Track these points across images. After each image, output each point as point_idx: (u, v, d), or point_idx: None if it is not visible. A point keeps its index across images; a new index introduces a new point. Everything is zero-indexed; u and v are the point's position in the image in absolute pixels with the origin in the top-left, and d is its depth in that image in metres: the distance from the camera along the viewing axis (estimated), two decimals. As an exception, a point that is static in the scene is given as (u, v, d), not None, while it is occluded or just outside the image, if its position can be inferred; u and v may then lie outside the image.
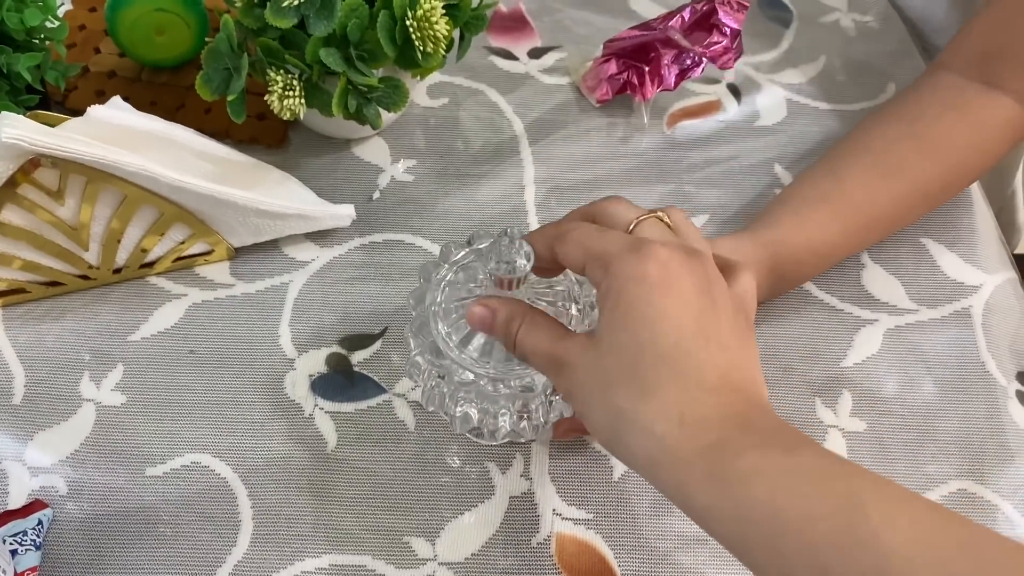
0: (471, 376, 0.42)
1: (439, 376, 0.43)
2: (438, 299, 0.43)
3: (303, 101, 0.49)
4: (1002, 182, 0.80)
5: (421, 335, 0.43)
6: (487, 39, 0.66)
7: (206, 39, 0.59)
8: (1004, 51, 0.54)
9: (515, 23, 0.67)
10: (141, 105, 0.59)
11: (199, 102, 0.59)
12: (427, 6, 0.48)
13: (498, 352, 0.42)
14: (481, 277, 0.44)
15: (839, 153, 0.55)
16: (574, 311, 0.43)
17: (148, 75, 0.61)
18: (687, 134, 0.61)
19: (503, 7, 0.67)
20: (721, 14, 0.58)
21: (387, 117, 0.58)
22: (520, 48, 0.66)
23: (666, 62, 0.61)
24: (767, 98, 0.63)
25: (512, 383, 0.42)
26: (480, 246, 0.45)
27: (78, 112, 0.58)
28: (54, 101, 0.59)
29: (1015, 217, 0.87)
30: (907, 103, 0.56)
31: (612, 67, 0.62)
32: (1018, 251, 0.97)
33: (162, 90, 0.60)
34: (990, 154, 0.55)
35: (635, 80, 0.61)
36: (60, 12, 0.63)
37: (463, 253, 0.45)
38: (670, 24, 0.60)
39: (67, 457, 0.48)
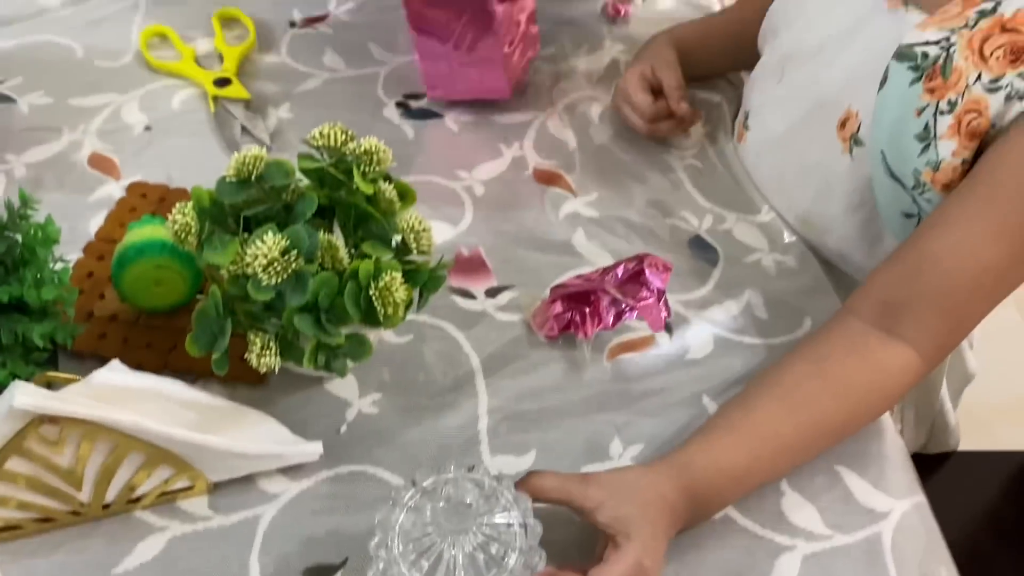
0: None
1: None
2: (396, 546, 0.49)
3: (278, 358, 0.57)
4: (929, 397, 0.87)
5: None
6: (449, 280, 0.74)
7: (198, 291, 0.67)
8: (904, 304, 0.62)
9: (474, 265, 0.76)
10: (138, 346, 0.67)
11: (189, 344, 0.67)
12: (387, 278, 0.56)
13: None
14: (429, 516, 0.50)
15: (753, 386, 0.63)
16: (512, 562, 0.49)
17: (145, 319, 0.69)
18: (625, 367, 0.69)
19: (464, 251, 0.76)
20: (648, 274, 0.67)
21: (356, 359, 0.65)
22: (478, 287, 0.74)
23: (605, 305, 0.69)
24: (696, 333, 0.71)
25: None
26: (425, 484, 0.51)
27: (82, 354, 0.65)
28: (61, 347, 0.66)
29: (947, 422, 0.94)
30: (817, 344, 0.64)
31: (558, 307, 0.70)
32: (959, 448, 1.03)
33: (157, 333, 0.68)
34: (889, 397, 0.62)
35: (578, 319, 0.69)
36: (71, 259, 0.72)
37: (410, 494, 0.51)
38: (606, 278, 0.69)
39: None
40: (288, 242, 0.54)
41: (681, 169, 0.84)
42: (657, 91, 0.84)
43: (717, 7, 1.04)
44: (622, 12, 1.00)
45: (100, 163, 0.82)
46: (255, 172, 0.56)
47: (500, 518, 0.50)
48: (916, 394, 0.85)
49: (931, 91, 0.63)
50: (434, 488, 0.49)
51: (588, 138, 0.87)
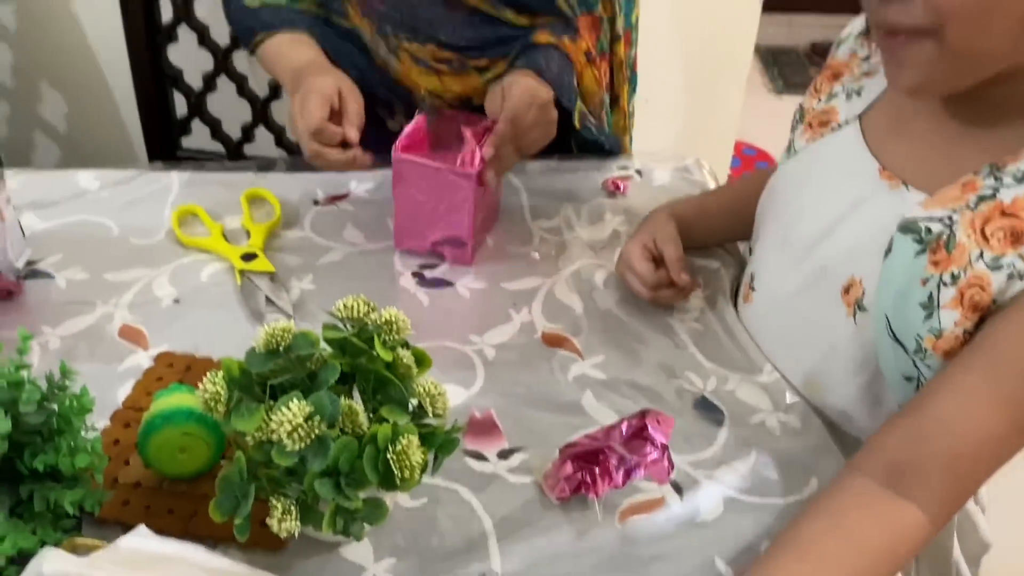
0: None
1: None
2: None
3: (298, 523, 0.58)
4: (942, 565, 0.87)
5: None
6: (462, 442, 0.76)
7: (221, 457, 0.70)
8: (911, 465, 0.64)
9: (486, 427, 0.78)
10: (160, 511, 0.69)
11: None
12: (404, 441, 0.59)
13: None
14: None
15: (773, 547, 0.64)
16: None
17: (168, 485, 0.71)
18: (637, 529, 0.70)
19: (476, 413, 0.79)
20: (651, 428, 0.70)
21: (372, 522, 0.66)
22: (490, 450, 0.76)
23: (613, 463, 0.71)
24: (706, 494, 0.72)
25: None
26: None
27: (105, 520, 0.67)
28: (87, 513, 0.68)
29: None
30: (830, 501, 0.65)
31: (568, 468, 0.72)
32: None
33: (180, 499, 0.70)
34: (902, 556, 0.63)
35: (588, 479, 0.71)
36: (100, 426, 0.75)
37: None
38: (611, 435, 0.71)
39: None
40: (312, 408, 0.57)
41: (684, 332, 0.88)
42: (658, 261, 0.89)
43: (712, 184, 1.11)
44: (621, 187, 1.08)
45: (130, 334, 0.86)
46: (283, 344, 0.60)
47: None
48: (929, 560, 0.85)
49: (935, 263, 0.67)
50: None
51: (593, 303, 0.92)
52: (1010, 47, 0.63)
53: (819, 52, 3.43)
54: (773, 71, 3.35)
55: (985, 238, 0.65)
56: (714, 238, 0.99)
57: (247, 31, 1.05)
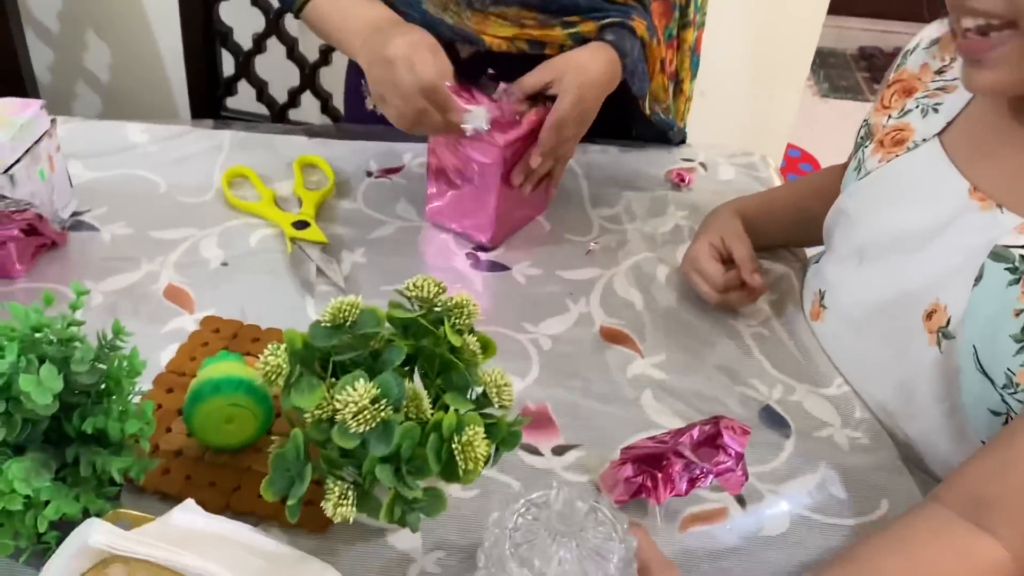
0: None
1: None
2: (508, 547, 0.53)
3: (355, 508, 0.55)
4: None
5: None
6: (516, 435, 0.73)
7: (267, 431, 0.67)
8: (995, 499, 0.60)
9: (541, 421, 0.75)
10: (202, 483, 0.66)
11: (254, 485, 0.65)
12: (471, 431, 0.55)
13: None
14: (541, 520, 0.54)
15: (829, 560, 0.60)
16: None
17: (211, 456, 0.68)
18: (698, 540, 0.66)
19: (531, 405, 0.76)
20: (726, 437, 0.66)
21: (423, 513, 0.63)
22: (545, 444, 0.73)
23: (677, 470, 0.67)
24: (771, 509, 0.68)
25: None
26: (533, 496, 0.55)
27: (143, 489, 0.64)
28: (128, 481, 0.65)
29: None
30: (901, 526, 0.62)
31: (628, 470, 0.68)
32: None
33: (222, 471, 0.67)
34: None
35: (649, 484, 0.67)
36: (141, 389, 0.72)
37: (522, 502, 0.55)
38: (680, 440, 0.67)
39: None
40: (378, 391, 0.54)
41: (749, 336, 0.84)
42: (727, 261, 0.85)
43: (777, 181, 1.07)
44: (687, 179, 1.04)
45: (176, 295, 0.83)
46: (350, 319, 0.57)
47: (602, 532, 0.54)
48: None
49: None
50: (543, 501, 0.54)
51: (653, 299, 0.88)
52: None
53: (866, 57, 3.36)
54: (820, 74, 3.29)
55: None
56: (780, 237, 0.94)
57: None
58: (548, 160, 0.89)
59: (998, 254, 0.65)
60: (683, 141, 1.11)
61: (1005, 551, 0.59)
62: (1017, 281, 0.64)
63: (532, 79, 0.88)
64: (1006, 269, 0.65)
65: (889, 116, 0.79)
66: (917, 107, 0.77)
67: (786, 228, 0.94)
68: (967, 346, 0.66)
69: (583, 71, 0.88)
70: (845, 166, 0.85)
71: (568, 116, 0.86)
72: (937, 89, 0.76)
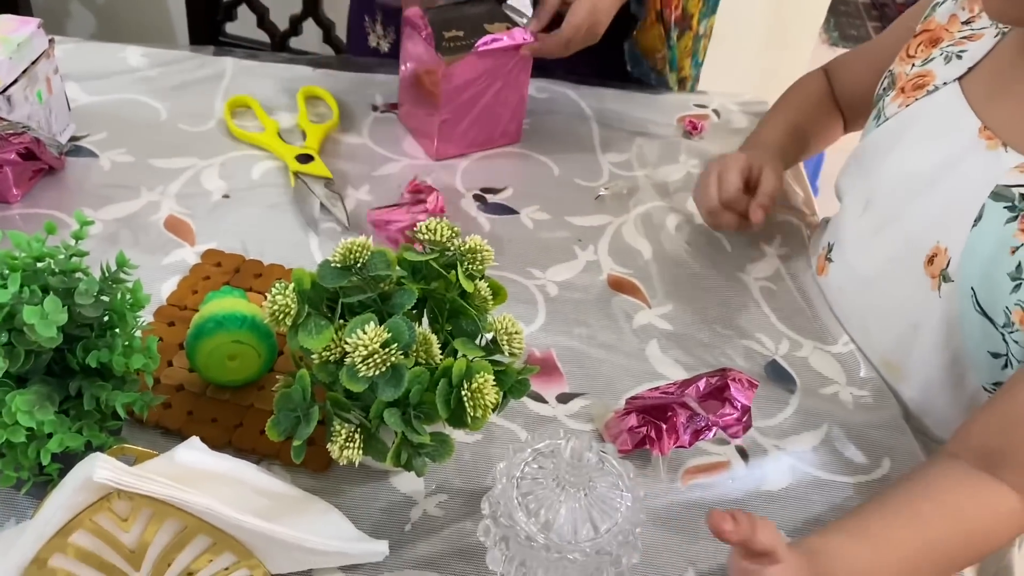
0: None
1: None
2: (516, 496, 0.54)
3: (361, 451, 0.55)
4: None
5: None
6: (521, 381, 0.72)
7: (270, 369, 0.66)
8: (1005, 451, 0.61)
9: (547, 368, 0.74)
10: (203, 419, 0.65)
11: (256, 422, 0.65)
12: (481, 379, 0.55)
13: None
14: (549, 469, 0.55)
15: (860, 507, 0.62)
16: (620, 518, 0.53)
17: (212, 392, 0.67)
18: (699, 492, 0.66)
19: (536, 352, 0.75)
20: (733, 390, 0.66)
21: (427, 456, 0.63)
22: (549, 392, 0.72)
23: (682, 421, 0.67)
24: (774, 464, 0.68)
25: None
26: (540, 445, 0.56)
27: (143, 423, 0.63)
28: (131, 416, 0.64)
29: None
30: (922, 476, 0.63)
31: (632, 420, 0.68)
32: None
33: (224, 407, 0.66)
34: (997, 535, 0.61)
35: (653, 435, 0.67)
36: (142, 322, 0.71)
37: (529, 451, 0.55)
38: (687, 392, 0.67)
39: None
40: (389, 334, 0.53)
41: (757, 290, 0.84)
42: (749, 187, 0.83)
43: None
44: (699, 127, 1.01)
45: (176, 227, 0.82)
46: (361, 260, 0.55)
47: (609, 481, 0.54)
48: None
49: None
50: (551, 451, 0.55)
51: (663, 248, 0.87)
52: None
53: (878, 6, 3.29)
54: (830, 22, 3.22)
55: None
56: (814, 145, 0.94)
57: None
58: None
59: (998, 194, 0.65)
60: (664, 86, 1.08)
61: (1018, 500, 0.61)
62: (1015, 219, 0.64)
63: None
64: (1005, 208, 0.64)
65: (912, 65, 0.77)
66: (941, 54, 0.75)
67: (816, 131, 0.93)
68: (966, 288, 0.66)
69: None
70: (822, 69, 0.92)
71: (577, 31, 0.88)
72: (963, 38, 0.75)
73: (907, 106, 0.75)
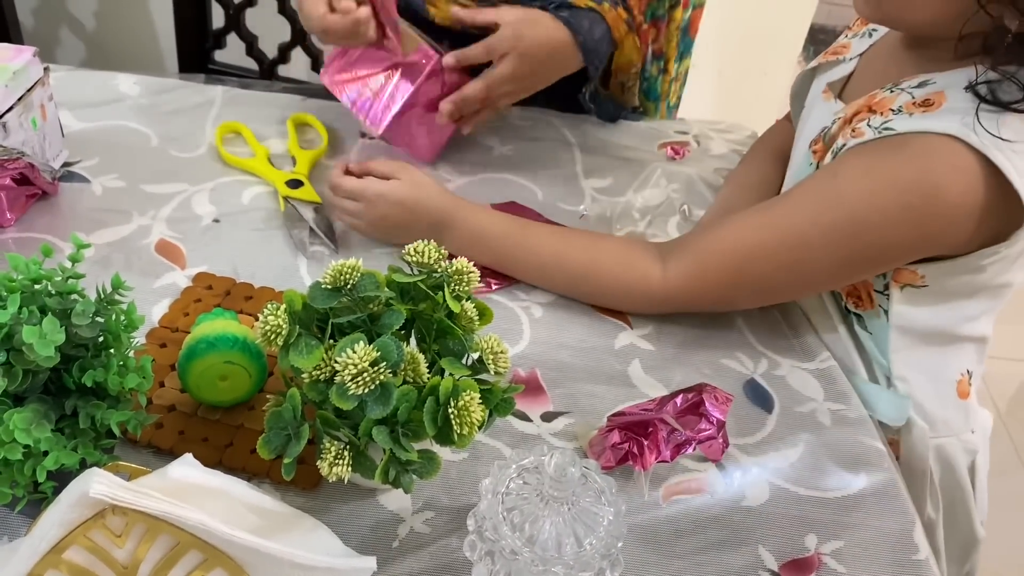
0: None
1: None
2: (501, 511, 0.55)
3: (350, 468, 0.56)
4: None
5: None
6: (506, 400, 0.74)
7: (260, 389, 0.67)
8: (686, 243, 0.80)
9: (531, 387, 0.76)
10: (194, 438, 0.66)
11: (246, 442, 0.66)
12: (467, 397, 0.56)
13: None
14: (533, 484, 0.56)
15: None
16: (602, 532, 0.56)
17: (204, 412, 0.68)
18: (680, 507, 0.68)
19: (521, 372, 0.77)
20: (708, 404, 0.68)
21: (415, 474, 0.64)
22: (534, 410, 0.74)
23: (663, 436, 0.69)
24: (753, 480, 0.70)
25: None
26: (524, 461, 0.57)
27: (136, 442, 0.65)
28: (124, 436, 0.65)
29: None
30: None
31: (616, 437, 0.70)
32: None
33: (215, 427, 0.67)
34: (624, 282, 0.81)
35: (636, 451, 0.69)
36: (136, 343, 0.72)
37: (514, 467, 0.57)
38: (664, 408, 0.69)
39: None
40: (378, 353, 0.54)
41: (736, 311, 0.86)
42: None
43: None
44: (680, 153, 1.04)
45: (167, 250, 0.83)
46: (351, 282, 0.57)
47: (592, 497, 0.56)
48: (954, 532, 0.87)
49: (815, 152, 0.81)
50: (535, 466, 0.57)
51: (644, 271, 0.89)
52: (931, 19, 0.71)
53: (857, 35, 3.37)
54: (809, 50, 3.28)
55: (850, 123, 0.75)
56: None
57: None
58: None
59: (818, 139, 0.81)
60: (626, 116, 1.10)
61: (661, 272, 0.78)
62: (816, 151, 0.80)
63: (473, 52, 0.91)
64: (811, 145, 0.81)
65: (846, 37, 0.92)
66: (866, 32, 0.88)
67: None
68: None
69: (519, 38, 0.90)
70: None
71: (503, 79, 0.91)
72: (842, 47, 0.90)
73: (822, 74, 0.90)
